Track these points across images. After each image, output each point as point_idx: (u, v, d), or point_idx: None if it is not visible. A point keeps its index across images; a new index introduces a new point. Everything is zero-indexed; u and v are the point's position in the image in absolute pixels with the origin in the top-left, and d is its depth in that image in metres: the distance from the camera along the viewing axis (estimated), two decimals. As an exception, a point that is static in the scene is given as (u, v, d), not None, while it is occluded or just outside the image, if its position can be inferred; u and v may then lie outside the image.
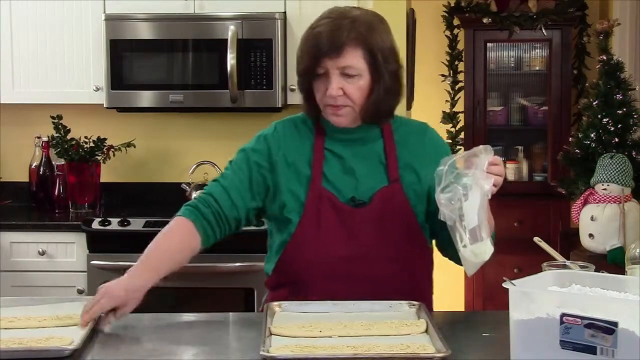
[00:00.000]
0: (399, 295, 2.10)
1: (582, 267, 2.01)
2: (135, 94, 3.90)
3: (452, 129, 5.18)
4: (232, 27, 3.77)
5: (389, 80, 2.14)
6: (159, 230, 2.17)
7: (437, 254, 2.29)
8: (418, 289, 2.20)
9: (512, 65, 5.37)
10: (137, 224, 3.69)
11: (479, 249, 1.96)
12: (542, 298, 1.67)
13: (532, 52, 5.31)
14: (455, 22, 5.18)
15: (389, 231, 2.14)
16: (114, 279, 2.07)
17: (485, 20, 5.03)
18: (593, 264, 2.02)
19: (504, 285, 1.71)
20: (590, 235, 3.75)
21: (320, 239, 2.13)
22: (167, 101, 3.88)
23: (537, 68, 5.31)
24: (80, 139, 4.03)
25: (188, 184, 4.09)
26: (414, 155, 2.21)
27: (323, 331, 1.88)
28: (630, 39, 4.89)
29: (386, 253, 2.14)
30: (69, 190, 4.05)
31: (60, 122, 4.01)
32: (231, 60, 3.76)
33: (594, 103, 3.97)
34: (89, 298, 2.04)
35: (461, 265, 2.20)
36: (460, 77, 5.19)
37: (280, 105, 3.82)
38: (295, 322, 1.94)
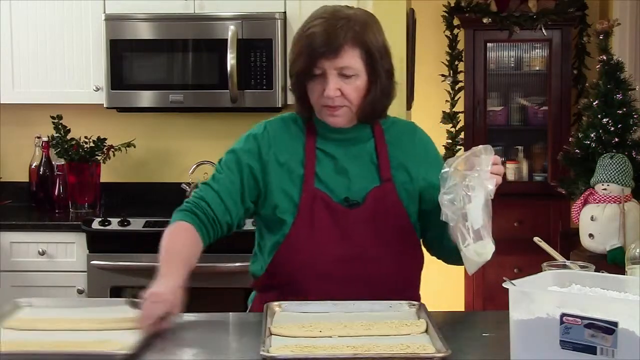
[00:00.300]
0: (392, 294, 2.11)
1: (582, 267, 2.01)
2: (135, 94, 3.90)
3: (452, 129, 5.18)
4: (232, 27, 3.77)
5: (385, 79, 2.14)
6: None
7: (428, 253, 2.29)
8: (409, 288, 2.21)
9: (512, 65, 5.37)
10: (137, 224, 3.69)
11: (482, 249, 1.96)
12: (542, 298, 1.67)
13: (532, 52, 5.32)
14: (455, 22, 5.19)
15: (383, 231, 2.14)
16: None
17: (485, 20, 5.04)
18: (593, 264, 2.02)
19: (504, 285, 1.71)
20: (590, 235, 3.75)
21: (315, 239, 2.13)
22: (167, 101, 3.88)
23: (537, 68, 5.31)
24: (80, 139, 4.03)
25: (188, 184, 4.09)
26: (405, 155, 2.20)
27: (323, 331, 1.88)
28: (630, 39, 4.89)
29: (380, 253, 2.14)
30: (69, 190, 4.05)
31: (60, 122, 4.01)
32: (231, 60, 3.76)
33: (594, 103, 3.97)
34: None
35: (449, 263, 2.22)
36: (460, 77, 5.19)
37: (280, 105, 3.82)
38: (295, 322, 1.94)
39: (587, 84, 4.57)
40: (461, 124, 5.18)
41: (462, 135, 5.16)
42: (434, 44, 5.27)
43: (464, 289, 5.09)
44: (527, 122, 5.36)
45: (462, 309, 5.03)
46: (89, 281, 3.69)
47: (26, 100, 4.03)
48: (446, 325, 1.98)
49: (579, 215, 3.81)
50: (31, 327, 1.94)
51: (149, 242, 3.66)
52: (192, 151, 4.21)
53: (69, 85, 3.98)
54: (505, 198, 4.76)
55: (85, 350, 1.78)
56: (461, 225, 1.95)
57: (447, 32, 5.19)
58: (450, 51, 5.20)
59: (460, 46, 5.19)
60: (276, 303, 2.06)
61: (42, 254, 3.74)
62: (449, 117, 5.18)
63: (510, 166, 5.21)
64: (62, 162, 4.07)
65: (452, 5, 5.18)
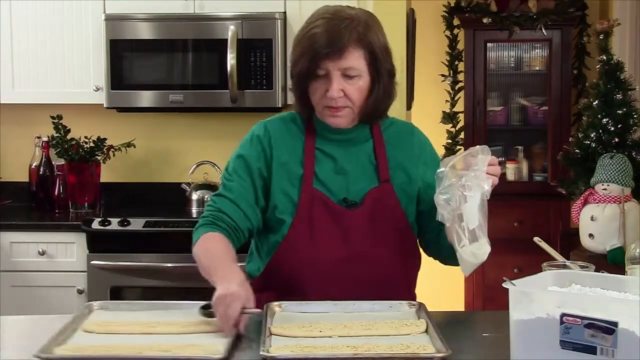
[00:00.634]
0: (388, 294, 2.11)
1: (582, 267, 2.01)
2: (135, 94, 3.90)
3: (452, 129, 5.18)
4: (232, 27, 3.77)
5: (387, 79, 2.14)
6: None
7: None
8: (406, 288, 2.22)
9: (512, 65, 5.37)
10: (137, 224, 3.69)
11: (478, 250, 1.96)
12: (542, 298, 1.67)
13: (532, 52, 5.32)
14: (455, 22, 5.19)
15: (381, 231, 2.14)
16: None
17: (485, 20, 5.03)
18: (593, 264, 2.02)
19: (504, 285, 1.71)
20: (590, 235, 3.75)
21: (314, 240, 2.13)
22: (167, 101, 3.88)
23: (537, 68, 5.31)
24: (80, 139, 4.03)
25: (188, 184, 4.09)
26: (403, 156, 2.21)
27: (323, 331, 1.88)
28: (630, 39, 4.89)
29: (378, 253, 2.14)
30: (69, 190, 4.05)
31: (60, 122, 4.01)
32: (231, 60, 3.76)
33: (594, 103, 3.97)
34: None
35: (446, 264, 2.21)
36: (460, 77, 5.19)
37: (280, 105, 3.82)
38: (295, 322, 1.94)
39: (587, 84, 4.58)
40: (461, 124, 5.18)
41: (462, 135, 5.17)
42: (434, 44, 5.27)
43: (464, 289, 5.09)
44: (527, 122, 5.35)
45: (462, 309, 5.03)
46: (89, 281, 3.69)
47: (26, 100, 4.03)
48: (446, 325, 1.98)
49: (579, 215, 3.81)
50: (109, 331, 1.92)
51: (149, 242, 3.71)
52: (192, 151, 4.21)
53: (69, 85, 3.98)
54: (505, 198, 4.80)
55: (180, 355, 1.75)
56: (457, 225, 1.94)
57: (447, 32, 5.19)
58: (450, 51, 5.20)
59: (460, 46, 5.19)
60: (276, 303, 2.06)
61: (42, 254, 3.74)
62: (449, 117, 5.18)
63: (510, 166, 5.21)
64: (62, 162, 4.07)
65: (452, 5, 5.18)
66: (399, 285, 2.19)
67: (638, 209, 3.72)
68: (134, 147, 4.11)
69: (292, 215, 2.14)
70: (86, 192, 4.05)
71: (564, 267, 2.00)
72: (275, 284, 2.17)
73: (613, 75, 3.95)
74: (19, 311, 3.43)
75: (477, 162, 1.93)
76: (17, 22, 3.96)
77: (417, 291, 2.27)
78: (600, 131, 3.91)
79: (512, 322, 1.70)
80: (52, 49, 3.96)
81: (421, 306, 2.04)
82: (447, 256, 2.10)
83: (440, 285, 4.42)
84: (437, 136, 4.59)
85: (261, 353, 1.74)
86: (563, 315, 1.62)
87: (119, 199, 4.21)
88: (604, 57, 3.98)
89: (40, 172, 4.12)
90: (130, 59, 3.88)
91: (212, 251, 2.10)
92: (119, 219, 3.70)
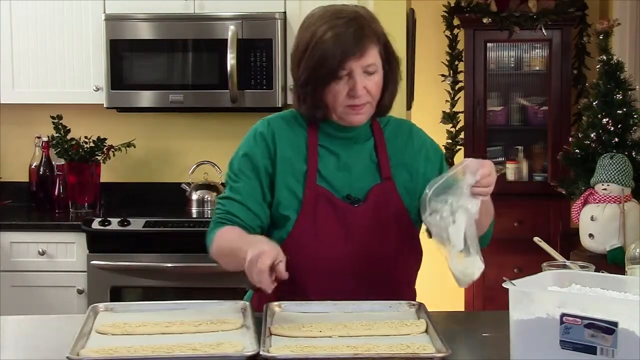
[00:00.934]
0: (392, 290, 2.12)
1: (582, 267, 2.01)
2: (135, 94, 3.90)
3: (452, 129, 5.18)
4: (232, 27, 3.77)
5: (396, 70, 2.17)
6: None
7: (429, 254, 2.28)
8: (407, 284, 2.23)
9: (512, 65, 5.37)
10: (137, 224, 3.69)
11: (467, 269, 1.95)
12: (542, 298, 1.67)
13: (532, 52, 5.31)
14: (455, 22, 5.18)
15: (385, 228, 2.15)
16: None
17: (485, 20, 5.03)
18: (593, 264, 2.02)
19: (504, 285, 1.71)
20: (590, 235, 3.75)
21: (318, 236, 2.13)
22: (167, 101, 3.88)
23: (537, 68, 5.31)
24: (80, 139, 4.03)
25: (188, 184, 4.09)
26: (404, 152, 2.21)
27: (323, 331, 1.88)
28: (630, 39, 4.89)
29: (382, 250, 2.15)
30: (69, 190, 4.05)
31: (60, 122, 4.01)
32: (231, 60, 3.76)
33: (594, 103, 3.97)
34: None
35: None
36: (460, 77, 5.19)
37: (280, 105, 3.82)
38: (295, 322, 1.94)
39: (587, 84, 4.58)
40: (461, 124, 5.18)
41: (462, 135, 5.16)
42: (434, 44, 5.27)
43: (464, 289, 5.09)
44: (527, 122, 5.35)
45: (462, 309, 5.03)
46: (89, 281, 3.69)
47: (26, 100, 4.03)
48: (446, 325, 1.98)
49: (579, 215, 3.81)
50: (125, 332, 1.90)
51: (149, 242, 3.71)
52: (192, 151, 4.21)
53: (69, 85, 3.98)
54: (505, 198, 4.78)
55: (214, 353, 1.75)
56: (445, 247, 1.95)
57: (447, 32, 5.19)
58: (450, 51, 5.20)
59: (460, 46, 5.19)
60: (276, 303, 2.06)
61: (42, 254, 3.74)
62: (449, 117, 5.18)
63: (510, 166, 5.21)
64: (62, 162, 4.07)
65: (452, 5, 5.17)
66: (402, 282, 2.20)
67: (638, 209, 3.72)
68: (134, 147, 4.11)
69: (296, 211, 2.14)
70: (86, 192, 4.05)
71: (564, 267, 2.00)
72: (278, 281, 2.17)
73: (613, 75, 3.95)
74: (19, 311, 3.43)
75: (463, 183, 1.93)
76: (17, 22, 3.96)
77: (417, 291, 2.27)
78: (600, 131, 3.91)
79: (512, 322, 1.70)
80: (52, 49, 3.96)
81: (421, 306, 2.04)
82: None
83: (440, 285, 4.41)
84: (437, 136, 4.53)
85: (261, 353, 1.74)
86: (563, 315, 1.62)
87: (119, 199, 4.21)
88: (604, 57, 3.98)
89: (40, 172, 4.12)
90: (130, 59, 3.88)
91: (231, 236, 2.11)
92: (119, 219, 3.70)
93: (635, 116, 3.93)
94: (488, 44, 5.18)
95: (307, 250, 2.13)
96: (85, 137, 4.06)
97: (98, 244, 3.70)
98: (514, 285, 1.71)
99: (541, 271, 1.91)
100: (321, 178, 2.16)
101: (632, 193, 3.78)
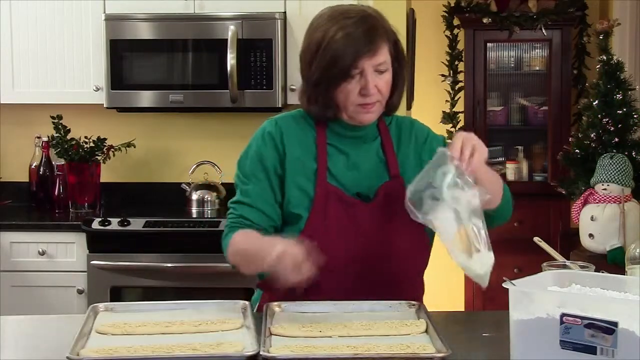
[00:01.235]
0: (402, 287, 2.13)
1: (582, 267, 2.01)
2: (135, 94, 3.90)
3: (452, 129, 5.17)
4: (232, 27, 3.77)
5: (405, 70, 2.18)
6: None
7: (435, 253, 2.29)
8: (418, 283, 2.24)
9: (512, 65, 5.36)
10: (137, 224, 3.69)
11: (473, 265, 1.92)
12: (542, 298, 1.67)
13: (532, 52, 5.31)
14: (455, 22, 5.18)
15: (395, 225, 2.15)
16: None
17: (485, 20, 5.03)
18: (593, 264, 2.02)
19: (504, 285, 1.71)
20: (590, 235, 3.75)
21: (329, 234, 2.13)
22: (167, 101, 3.88)
23: (537, 68, 5.30)
24: (80, 139, 4.03)
25: (188, 184, 4.09)
26: (410, 149, 2.22)
27: (323, 331, 1.88)
28: (630, 39, 4.89)
29: (392, 247, 2.15)
30: (69, 190, 4.05)
31: (60, 122, 4.01)
32: (231, 60, 3.76)
33: (594, 103, 3.97)
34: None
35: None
36: (460, 77, 5.19)
37: (280, 105, 3.82)
38: (295, 322, 1.94)
39: (587, 84, 4.58)
40: (461, 124, 5.18)
41: (462, 135, 5.15)
42: (434, 44, 5.27)
43: (464, 289, 5.09)
44: (527, 122, 5.35)
45: (462, 309, 5.03)
46: (89, 281, 3.69)
47: (26, 100, 4.03)
48: (446, 325, 1.98)
49: (579, 215, 3.81)
50: (125, 332, 1.90)
51: (149, 242, 3.71)
52: (192, 151, 4.21)
53: (69, 85, 3.98)
54: (505, 198, 4.79)
55: (214, 353, 1.75)
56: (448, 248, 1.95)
57: (447, 32, 5.19)
58: (450, 51, 5.20)
59: (460, 46, 5.19)
60: (276, 303, 2.06)
61: (42, 254, 3.74)
62: (449, 117, 5.18)
63: (510, 166, 5.21)
64: (62, 162, 4.07)
65: (452, 5, 5.17)
66: (412, 277, 2.22)
67: (638, 209, 3.72)
68: (134, 147, 4.11)
69: (308, 210, 2.15)
70: (86, 192, 4.05)
71: (564, 267, 2.00)
72: None
73: (613, 75, 3.95)
74: (19, 311, 3.43)
75: (446, 174, 1.93)
76: (17, 22, 3.96)
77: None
78: (600, 131, 3.91)
79: (512, 322, 1.70)
80: (52, 49, 3.96)
81: (421, 306, 2.04)
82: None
83: (440, 285, 4.42)
84: (437, 136, 4.57)
85: (261, 353, 1.74)
86: (563, 315, 1.62)
87: (119, 199, 4.21)
88: (604, 57, 3.98)
89: (40, 172, 4.12)
90: (130, 59, 3.88)
91: (247, 239, 2.10)
92: (119, 219, 3.70)
93: (635, 116, 3.93)
94: (488, 44, 5.18)
95: (318, 248, 2.13)
96: (85, 137, 4.06)
97: (98, 244, 3.70)
98: (514, 285, 1.71)
99: (541, 271, 1.91)
100: (331, 176, 2.16)
101: (632, 193, 3.78)
